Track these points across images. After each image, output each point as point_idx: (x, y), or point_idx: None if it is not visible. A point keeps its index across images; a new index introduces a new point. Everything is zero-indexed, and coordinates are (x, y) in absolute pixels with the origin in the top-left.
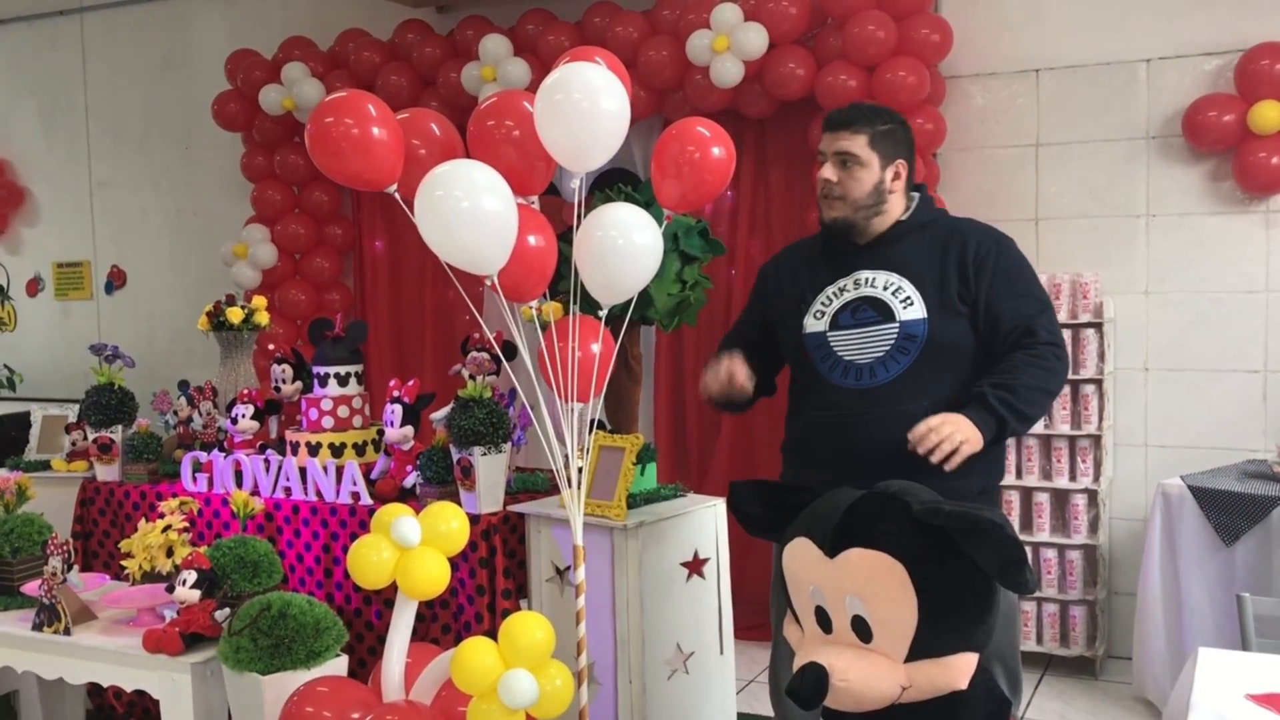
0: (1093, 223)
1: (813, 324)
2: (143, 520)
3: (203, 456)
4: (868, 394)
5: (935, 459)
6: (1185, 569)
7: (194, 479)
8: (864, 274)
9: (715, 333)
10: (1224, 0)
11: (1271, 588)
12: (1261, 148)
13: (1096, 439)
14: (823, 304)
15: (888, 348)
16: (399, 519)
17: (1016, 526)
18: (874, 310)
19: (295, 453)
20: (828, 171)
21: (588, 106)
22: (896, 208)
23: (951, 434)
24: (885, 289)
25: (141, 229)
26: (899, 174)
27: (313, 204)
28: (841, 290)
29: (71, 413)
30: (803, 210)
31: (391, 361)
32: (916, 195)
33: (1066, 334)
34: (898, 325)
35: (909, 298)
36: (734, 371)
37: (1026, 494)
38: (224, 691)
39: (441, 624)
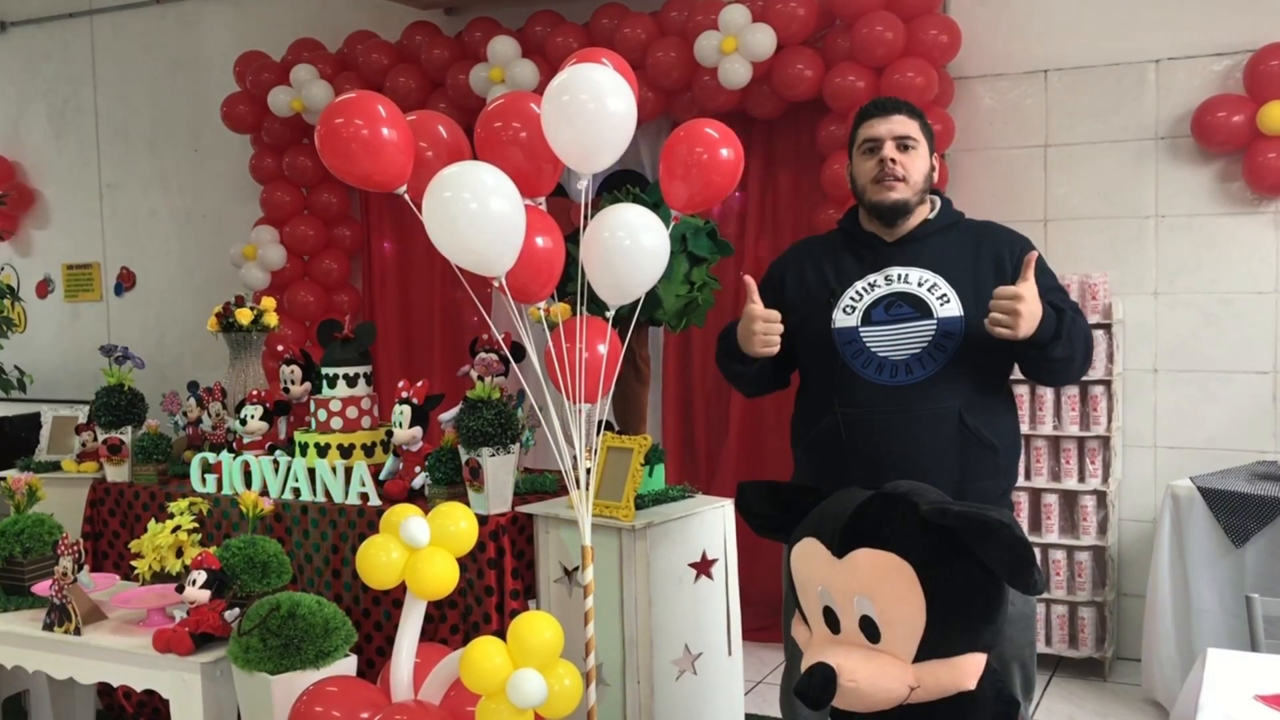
0: (1102, 224)
1: (843, 319)
2: (152, 521)
3: (212, 457)
4: (901, 391)
5: (996, 327)
6: (1194, 570)
7: (203, 480)
8: (895, 270)
9: None
10: (1233, 1)
11: None
12: (1271, 148)
13: (1105, 440)
14: (852, 299)
15: (925, 344)
16: (408, 519)
17: (1025, 528)
18: (910, 306)
19: (304, 454)
20: (890, 151)
21: (594, 108)
22: (924, 206)
23: (1022, 319)
24: (920, 285)
25: (151, 231)
26: (934, 166)
27: (321, 205)
28: (872, 286)
29: (81, 414)
30: (811, 211)
31: (400, 363)
32: (937, 198)
33: None
34: (935, 322)
35: (945, 295)
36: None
37: (1035, 495)
38: (233, 691)
39: (450, 624)
